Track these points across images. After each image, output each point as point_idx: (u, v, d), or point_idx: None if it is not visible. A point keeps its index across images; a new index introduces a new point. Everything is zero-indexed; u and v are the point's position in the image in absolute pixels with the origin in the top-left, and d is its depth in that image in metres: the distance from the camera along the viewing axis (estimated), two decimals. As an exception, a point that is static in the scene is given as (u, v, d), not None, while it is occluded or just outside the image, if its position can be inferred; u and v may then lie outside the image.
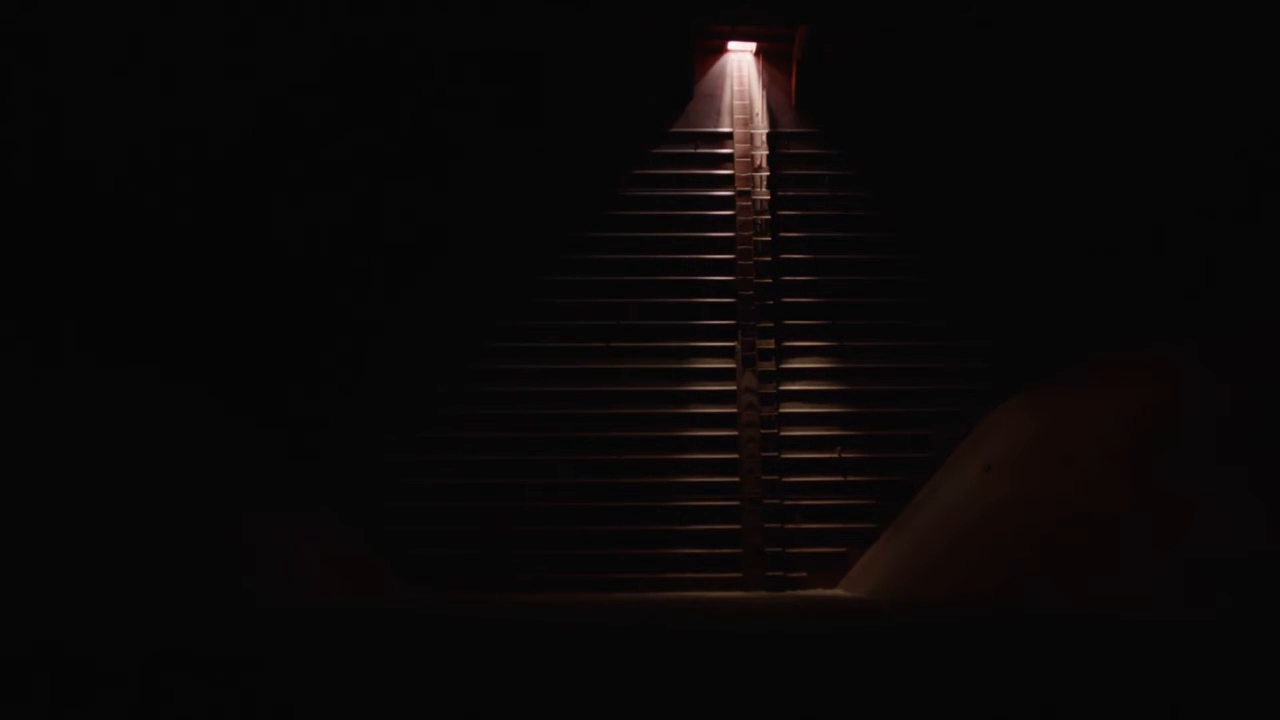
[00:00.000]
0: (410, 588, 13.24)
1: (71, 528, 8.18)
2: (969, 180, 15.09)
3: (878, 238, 15.36)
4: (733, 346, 14.94)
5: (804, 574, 13.81)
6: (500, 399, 14.55)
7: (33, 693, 4.37)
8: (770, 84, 16.23)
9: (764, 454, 14.31)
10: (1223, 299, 10.53)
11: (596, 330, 14.92)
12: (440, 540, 13.67)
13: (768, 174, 15.67)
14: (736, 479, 14.26)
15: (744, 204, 15.55)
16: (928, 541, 12.43)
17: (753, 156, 15.79)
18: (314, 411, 13.95)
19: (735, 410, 14.60)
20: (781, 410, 14.61)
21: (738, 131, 15.93)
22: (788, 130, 16.02)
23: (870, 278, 15.17)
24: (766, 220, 15.44)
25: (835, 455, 14.39)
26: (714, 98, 16.21)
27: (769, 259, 15.25)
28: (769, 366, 14.78)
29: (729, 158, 15.83)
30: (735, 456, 14.36)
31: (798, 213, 15.58)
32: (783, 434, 14.49)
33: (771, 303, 15.06)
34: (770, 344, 14.89)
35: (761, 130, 15.94)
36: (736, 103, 16.10)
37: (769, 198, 15.55)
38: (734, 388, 14.74)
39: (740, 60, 16.45)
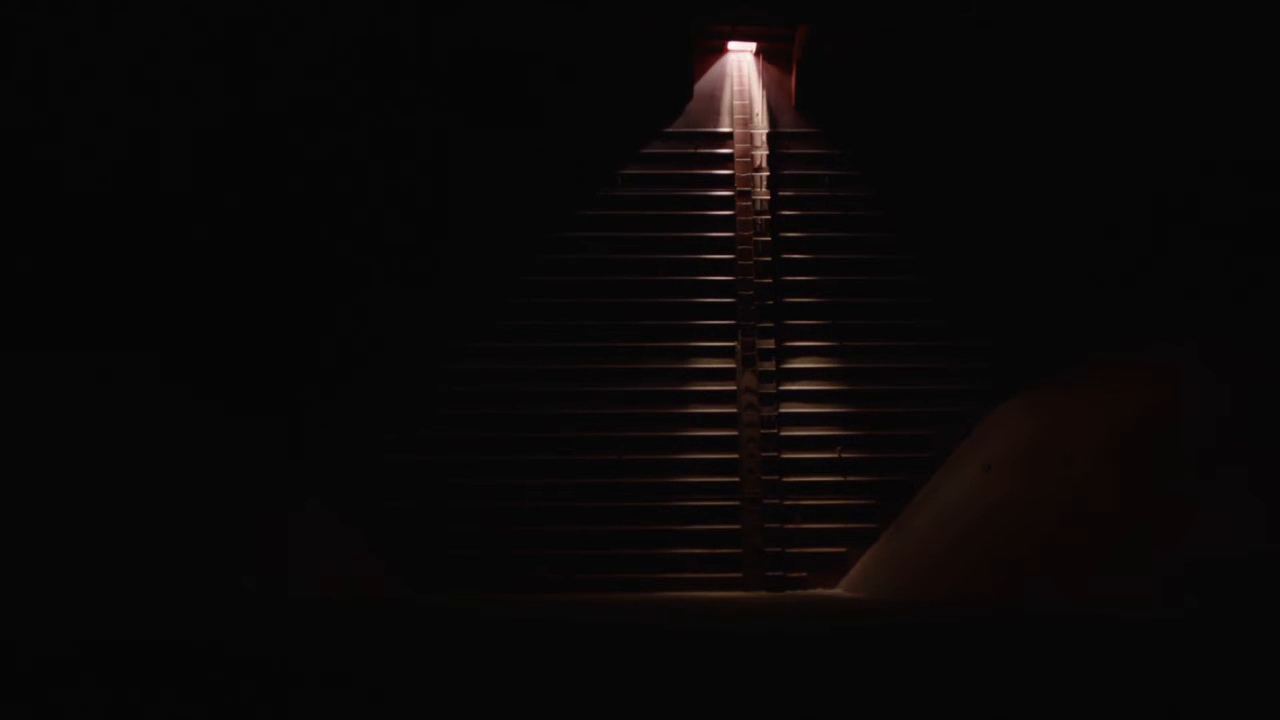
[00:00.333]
0: (410, 588, 13.24)
1: (69, 527, 8.17)
2: (969, 180, 15.09)
3: (878, 238, 15.36)
4: (733, 346, 14.94)
5: (804, 574, 13.80)
6: (500, 399, 14.55)
7: (31, 692, 4.37)
8: (770, 84, 16.24)
9: (764, 454, 14.31)
10: (1223, 299, 10.53)
11: (597, 330, 14.93)
12: (440, 540, 13.67)
13: (767, 174, 15.67)
14: (736, 479, 14.25)
15: (744, 204, 15.55)
16: (928, 541, 12.43)
17: (752, 156, 15.79)
18: (313, 411, 13.95)
19: (735, 410, 14.60)
20: (781, 410, 14.61)
21: (737, 131, 15.93)
22: (788, 130, 16.02)
23: (870, 278, 15.17)
24: (766, 220, 15.45)
25: (835, 455, 14.39)
26: (714, 98, 16.21)
27: (769, 259, 15.26)
28: (769, 366, 14.78)
29: (729, 158, 15.83)
30: (735, 456, 14.36)
31: (798, 213, 15.59)
32: (783, 434, 14.49)
33: (771, 303, 15.06)
34: (770, 344, 14.89)
35: (761, 130, 15.94)
36: (736, 103, 16.10)
37: (769, 198, 15.55)
38: (734, 388, 14.74)
39: (740, 60, 16.45)
